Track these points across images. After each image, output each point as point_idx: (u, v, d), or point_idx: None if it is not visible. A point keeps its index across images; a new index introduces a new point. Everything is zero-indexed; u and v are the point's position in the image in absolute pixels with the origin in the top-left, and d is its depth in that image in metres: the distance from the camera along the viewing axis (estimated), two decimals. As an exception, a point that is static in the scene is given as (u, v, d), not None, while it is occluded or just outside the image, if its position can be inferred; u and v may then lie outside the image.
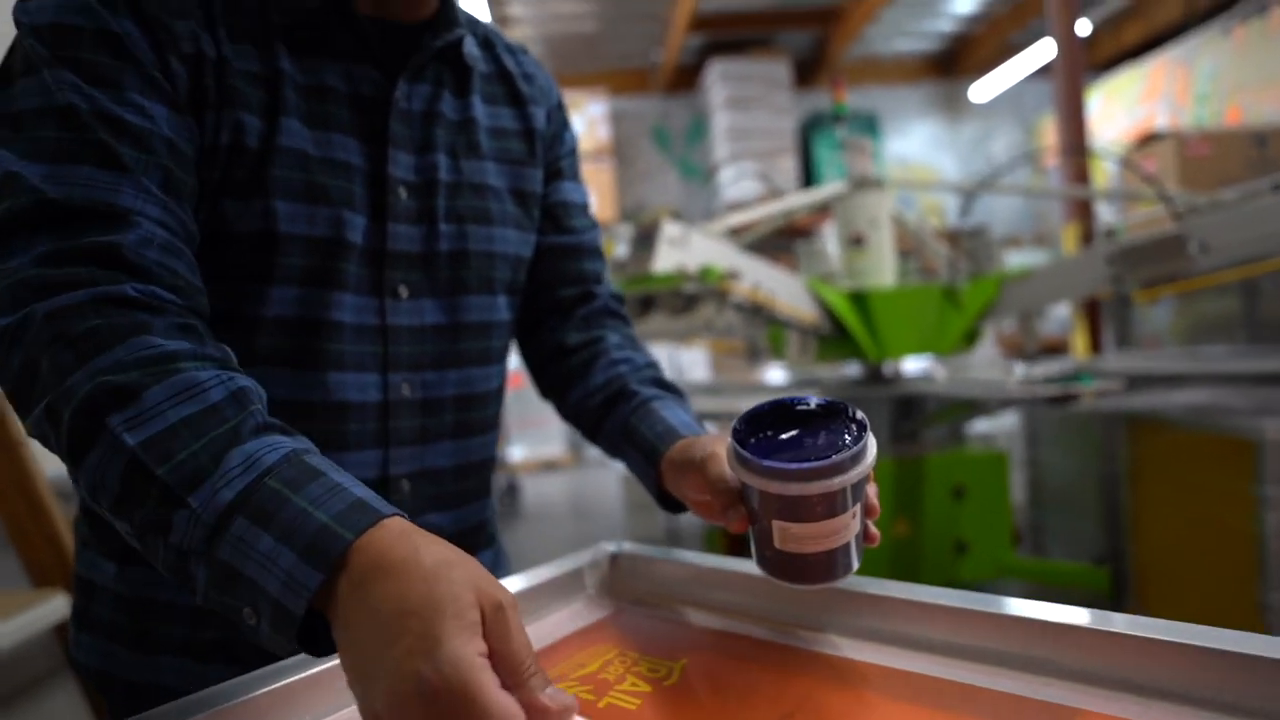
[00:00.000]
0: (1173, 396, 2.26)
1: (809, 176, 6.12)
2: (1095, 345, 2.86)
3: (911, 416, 2.41)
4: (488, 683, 0.31)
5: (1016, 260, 5.69)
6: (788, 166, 5.83)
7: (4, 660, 1.44)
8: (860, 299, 2.29)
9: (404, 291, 0.59)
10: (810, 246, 2.49)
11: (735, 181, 5.62)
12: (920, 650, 0.47)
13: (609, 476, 4.87)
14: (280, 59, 0.54)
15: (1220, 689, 0.38)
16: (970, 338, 2.39)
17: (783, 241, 4.55)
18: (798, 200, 2.49)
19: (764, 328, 2.22)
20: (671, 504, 0.62)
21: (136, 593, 0.57)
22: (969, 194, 2.66)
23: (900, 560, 2.19)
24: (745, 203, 5.35)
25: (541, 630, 0.54)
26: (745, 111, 5.81)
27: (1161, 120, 5.41)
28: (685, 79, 6.45)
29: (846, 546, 0.48)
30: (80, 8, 0.47)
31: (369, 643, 0.33)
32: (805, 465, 0.44)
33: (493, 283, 0.65)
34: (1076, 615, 0.43)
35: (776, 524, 0.47)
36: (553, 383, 0.73)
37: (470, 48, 0.65)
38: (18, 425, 1.37)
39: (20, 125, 0.45)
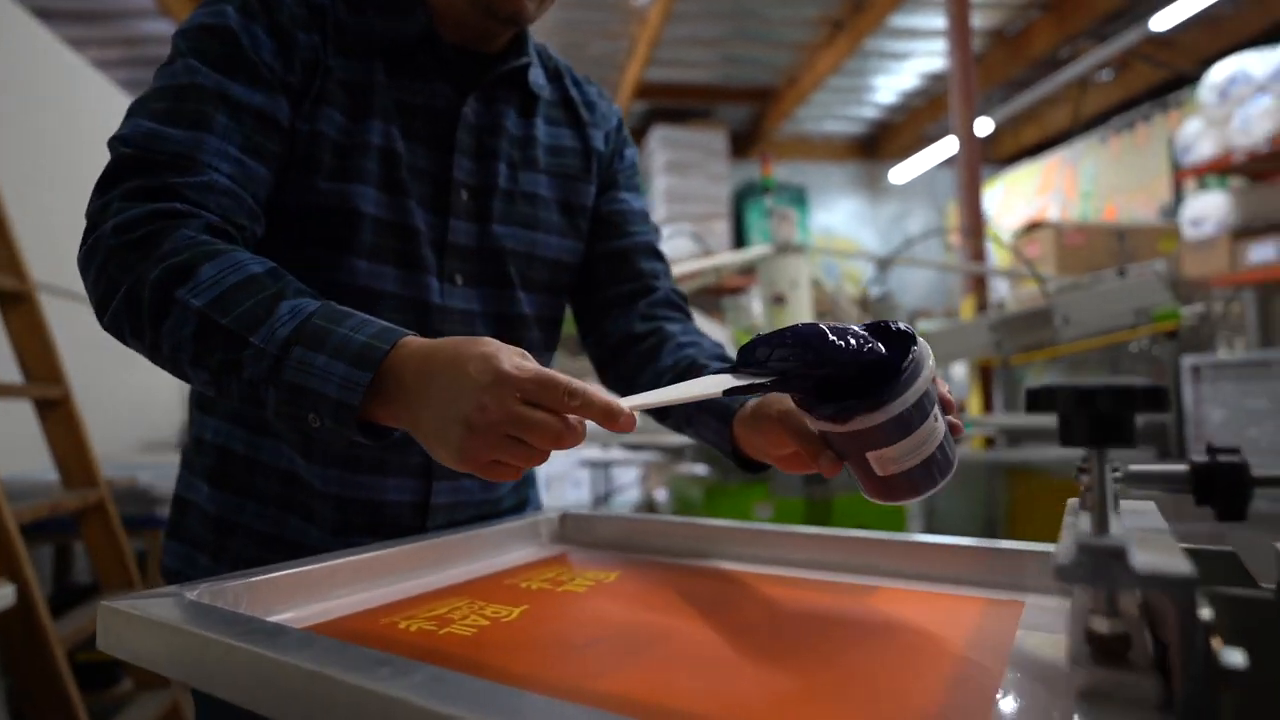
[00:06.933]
0: (1047, 451, 2.56)
1: (740, 241, 6.49)
2: (987, 406, 3.19)
3: (822, 459, 2.64)
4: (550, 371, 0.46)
5: (925, 328, 6.19)
6: (721, 230, 6.18)
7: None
8: (779, 350, 2.53)
9: (459, 279, 0.71)
10: (736, 302, 2.73)
11: (670, 239, 5.91)
12: (790, 566, 0.65)
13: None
14: (377, 72, 0.68)
15: (945, 570, 0.57)
16: (876, 391, 2.66)
17: (713, 300, 4.85)
18: (727, 259, 2.73)
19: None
20: (749, 464, 0.65)
21: (220, 513, 0.70)
22: (882, 262, 2.97)
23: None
24: (678, 260, 5.63)
25: (503, 560, 0.69)
26: (683, 176, 6.16)
27: (1053, 212, 6.04)
28: (629, 141, 6.80)
29: (942, 445, 0.51)
30: (218, 13, 0.63)
31: (438, 391, 0.46)
32: (880, 396, 0.47)
33: (532, 281, 0.76)
34: (868, 534, 0.62)
35: (871, 455, 0.50)
36: (620, 370, 0.79)
37: (537, 77, 0.77)
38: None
39: (148, 99, 0.61)
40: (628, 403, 0.47)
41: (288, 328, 0.50)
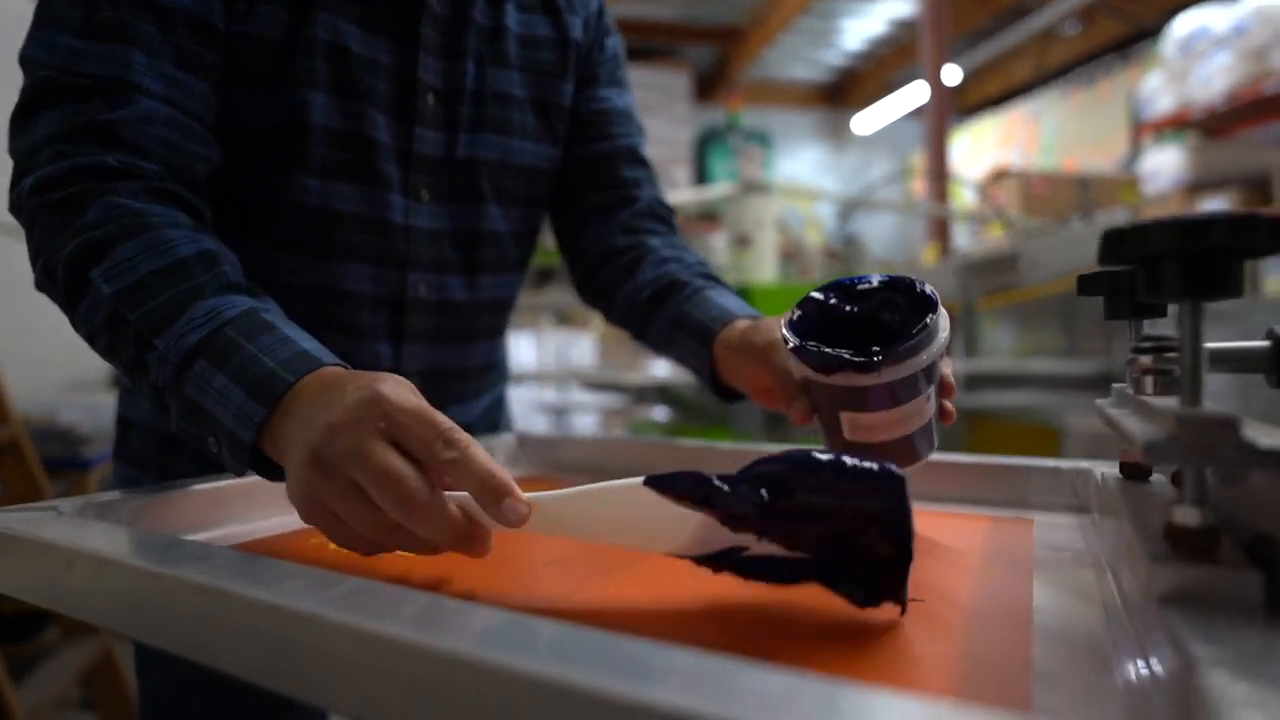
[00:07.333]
0: (1003, 396, 2.59)
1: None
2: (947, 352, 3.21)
3: (784, 403, 2.63)
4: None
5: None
6: (681, 176, 6.06)
7: None
8: (743, 292, 2.49)
9: (425, 195, 0.62)
10: (703, 243, 2.66)
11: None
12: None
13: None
14: None
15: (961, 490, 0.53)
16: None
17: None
18: (690, 195, 2.65)
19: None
20: (726, 393, 0.61)
21: (167, 429, 0.59)
22: (848, 205, 2.93)
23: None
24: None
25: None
26: (644, 118, 6.00)
27: (1015, 164, 6.07)
28: (590, 81, 6.57)
29: (922, 430, 0.45)
30: None
31: (308, 414, 0.36)
32: (871, 356, 0.40)
33: (506, 193, 0.66)
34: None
35: (845, 415, 0.44)
36: (600, 286, 0.73)
37: None
38: None
39: (55, 4, 0.49)
40: (533, 496, 0.35)
41: (196, 335, 0.41)
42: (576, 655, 0.20)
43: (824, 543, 0.30)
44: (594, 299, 0.75)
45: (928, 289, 0.44)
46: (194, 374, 0.41)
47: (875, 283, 0.46)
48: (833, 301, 0.46)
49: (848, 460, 0.30)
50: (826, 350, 0.42)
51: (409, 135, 0.60)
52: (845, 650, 0.28)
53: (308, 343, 0.42)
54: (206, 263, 0.45)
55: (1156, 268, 0.24)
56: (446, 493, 0.35)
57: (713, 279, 0.67)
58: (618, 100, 0.75)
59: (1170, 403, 0.27)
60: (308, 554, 0.41)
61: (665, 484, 0.32)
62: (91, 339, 0.46)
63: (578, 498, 0.34)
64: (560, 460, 0.70)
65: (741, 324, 0.58)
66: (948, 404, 0.48)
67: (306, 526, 0.47)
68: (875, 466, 0.30)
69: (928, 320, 0.42)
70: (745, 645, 0.29)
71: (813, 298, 0.47)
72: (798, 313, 0.46)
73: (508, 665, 0.20)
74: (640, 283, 0.68)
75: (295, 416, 0.37)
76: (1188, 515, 0.25)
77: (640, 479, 0.33)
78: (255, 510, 0.49)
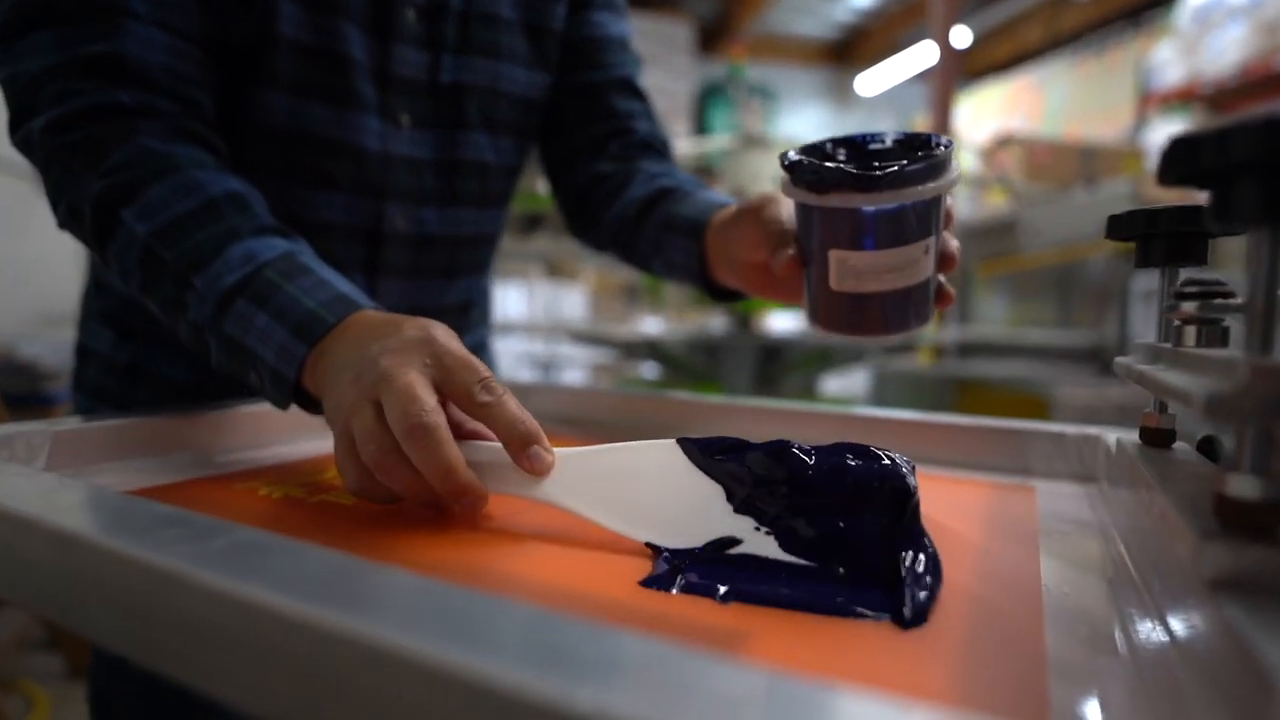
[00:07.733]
0: (994, 365, 2.57)
1: (701, 143, 6.25)
2: (940, 320, 3.18)
3: (773, 364, 2.59)
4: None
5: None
6: (680, 130, 5.92)
7: None
8: (737, 250, 2.43)
9: (405, 120, 0.57)
10: (696, 196, 2.60)
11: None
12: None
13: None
14: None
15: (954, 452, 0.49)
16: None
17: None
18: (688, 147, 2.58)
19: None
20: (718, 291, 0.59)
21: (128, 360, 0.59)
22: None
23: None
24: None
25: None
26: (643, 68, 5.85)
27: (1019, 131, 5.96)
28: (589, 28, 6.37)
29: (912, 291, 0.41)
30: None
31: (360, 344, 0.37)
32: (874, 178, 0.38)
33: (495, 122, 0.62)
34: (856, 411, 0.53)
35: (834, 255, 0.41)
36: (590, 214, 0.68)
37: None
38: None
39: None
40: (563, 453, 0.35)
41: (234, 276, 0.42)
42: (498, 641, 0.16)
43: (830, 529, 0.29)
44: (585, 231, 0.70)
45: (944, 140, 0.41)
46: (234, 312, 0.41)
47: (889, 142, 0.43)
48: (840, 156, 0.43)
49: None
50: (823, 164, 0.39)
51: (387, 54, 0.55)
52: (832, 638, 0.24)
53: (344, 285, 0.42)
54: (237, 204, 0.45)
55: (1233, 183, 0.20)
56: (476, 442, 0.36)
57: (708, 190, 0.63)
58: (612, 26, 0.69)
59: (1229, 354, 0.22)
60: (229, 498, 0.36)
61: (696, 444, 0.33)
62: (125, 278, 0.45)
63: (603, 455, 0.34)
64: (535, 409, 0.66)
65: (734, 207, 0.54)
66: (947, 285, 0.46)
67: (238, 470, 0.42)
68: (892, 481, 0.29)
69: (936, 152, 0.39)
70: (721, 634, 0.25)
71: (819, 147, 0.43)
72: (802, 156, 0.42)
73: (404, 651, 0.15)
74: (628, 200, 0.64)
75: (341, 349, 0.38)
76: (1246, 486, 0.21)
77: (672, 439, 0.34)
78: (187, 449, 0.44)
